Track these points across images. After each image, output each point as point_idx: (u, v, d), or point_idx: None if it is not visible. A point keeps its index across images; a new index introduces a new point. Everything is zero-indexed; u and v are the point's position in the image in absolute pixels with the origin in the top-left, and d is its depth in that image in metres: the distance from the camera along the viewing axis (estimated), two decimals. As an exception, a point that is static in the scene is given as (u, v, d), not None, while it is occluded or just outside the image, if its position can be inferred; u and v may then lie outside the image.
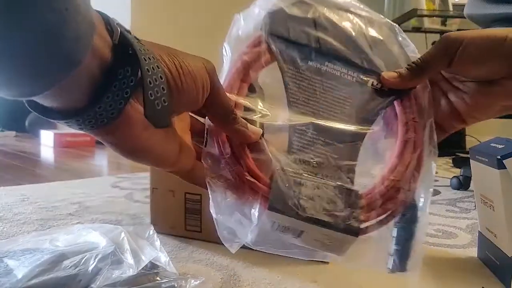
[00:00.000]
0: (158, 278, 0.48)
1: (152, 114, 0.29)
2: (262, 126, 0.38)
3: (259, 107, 0.38)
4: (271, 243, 0.38)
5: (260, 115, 0.38)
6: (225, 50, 0.40)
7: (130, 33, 0.28)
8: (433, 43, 2.20)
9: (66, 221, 0.83)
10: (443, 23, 2.20)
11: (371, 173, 0.39)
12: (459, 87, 0.42)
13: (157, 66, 0.29)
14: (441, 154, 0.44)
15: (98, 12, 0.27)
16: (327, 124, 0.39)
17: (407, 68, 0.41)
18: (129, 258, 0.49)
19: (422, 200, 0.40)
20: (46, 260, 0.50)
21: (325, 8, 0.42)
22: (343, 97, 0.40)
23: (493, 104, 0.41)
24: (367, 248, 0.38)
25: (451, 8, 2.13)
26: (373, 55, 0.42)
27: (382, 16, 0.45)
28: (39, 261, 0.49)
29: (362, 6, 0.44)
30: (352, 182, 0.38)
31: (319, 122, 0.39)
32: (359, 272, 0.60)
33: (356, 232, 0.37)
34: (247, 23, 0.40)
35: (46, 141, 2.29)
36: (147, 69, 0.28)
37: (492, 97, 0.40)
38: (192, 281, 0.49)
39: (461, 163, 1.45)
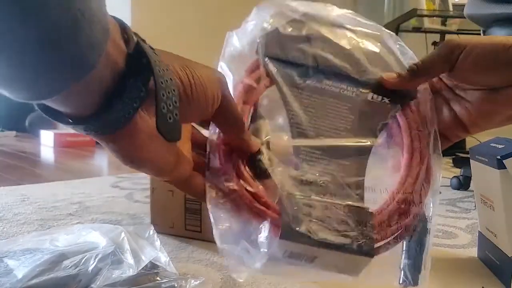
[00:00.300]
0: (158, 278, 0.48)
1: (164, 127, 0.29)
2: (267, 145, 0.37)
3: (264, 136, 0.38)
4: (282, 270, 0.37)
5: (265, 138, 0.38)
6: (221, 68, 0.40)
7: (145, 42, 0.28)
8: (433, 43, 2.21)
9: (66, 221, 0.83)
10: (443, 23, 2.20)
11: (379, 188, 0.38)
12: (462, 96, 0.42)
13: (170, 78, 0.29)
14: (441, 154, 0.44)
15: (115, 18, 0.27)
16: (331, 143, 0.38)
17: (407, 70, 0.41)
18: (129, 258, 0.49)
19: (431, 210, 0.39)
20: (46, 260, 0.50)
21: (319, 25, 0.42)
22: (344, 113, 0.40)
23: (497, 113, 0.40)
24: (375, 262, 0.37)
25: (451, 8, 2.13)
26: (370, 67, 0.42)
27: (379, 26, 0.45)
28: (39, 261, 0.49)
29: (358, 18, 0.44)
30: (361, 199, 0.37)
31: (323, 143, 0.38)
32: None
33: (371, 253, 0.36)
34: (241, 40, 0.41)
35: (46, 141, 2.29)
36: (160, 81, 0.27)
37: (495, 106, 0.40)
38: (192, 281, 0.49)
39: (461, 163, 1.45)
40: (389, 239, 0.37)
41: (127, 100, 0.26)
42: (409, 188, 0.38)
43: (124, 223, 0.82)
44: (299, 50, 0.40)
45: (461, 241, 0.76)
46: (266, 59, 0.39)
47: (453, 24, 2.20)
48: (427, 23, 2.16)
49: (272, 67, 0.39)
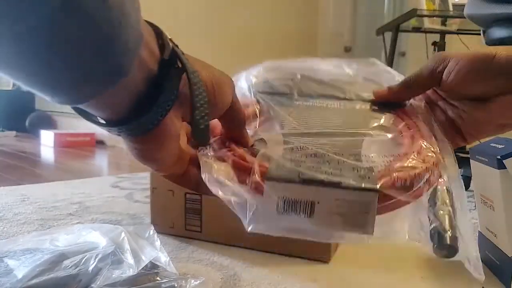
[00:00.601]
0: (158, 278, 0.49)
1: (198, 133, 0.31)
2: (263, 139, 0.38)
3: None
4: (281, 231, 0.33)
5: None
6: None
7: (178, 47, 0.29)
8: (433, 43, 2.22)
9: (66, 221, 0.83)
10: (443, 23, 2.20)
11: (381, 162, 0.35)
12: (456, 105, 0.43)
13: (201, 84, 0.30)
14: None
15: (151, 24, 0.28)
16: (322, 131, 0.39)
17: (398, 84, 0.43)
18: (129, 258, 0.49)
19: (449, 177, 0.37)
20: (46, 260, 0.50)
21: (305, 74, 0.46)
22: (333, 118, 0.41)
23: (489, 122, 0.41)
24: (400, 221, 0.34)
25: (451, 8, 2.13)
26: (354, 87, 0.45)
27: (370, 61, 0.48)
28: (39, 261, 0.49)
29: (342, 64, 0.48)
30: (358, 162, 0.34)
31: (314, 131, 0.39)
32: (359, 272, 0.60)
33: (374, 188, 0.31)
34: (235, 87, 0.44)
35: (46, 141, 2.29)
36: (195, 89, 0.29)
37: (486, 115, 0.40)
38: (192, 281, 0.49)
39: (461, 163, 1.44)
40: (395, 180, 0.33)
41: (161, 103, 0.28)
42: (412, 153, 0.36)
43: (124, 223, 0.82)
44: (285, 85, 0.44)
45: (461, 241, 0.76)
46: (255, 93, 0.43)
47: (453, 24, 2.20)
48: (427, 23, 2.16)
49: (262, 95, 0.43)
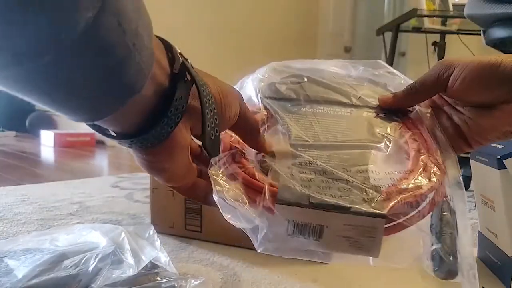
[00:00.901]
0: (158, 278, 0.49)
1: (208, 144, 0.31)
2: (271, 151, 0.38)
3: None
4: (290, 252, 0.35)
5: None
6: None
7: (188, 61, 0.30)
8: (433, 43, 2.21)
9: (67, 221, 0.83)
10: (443, 23, 2.20)
11: (388, 180, 0.36)
12: (462, 111, 0.43)
13: (210, 97, 0.31)
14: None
15: (160, 38, 0.29)
16: (329, 143, 0.39)
17: (403, 90, 0.42)
18: (129, 258, 0.49)
19: (453, 195, 0.38)
20: (47, 260, 0.50)
21: (312, 77, 0.46)
22: (340, 127, 0.41)
23: (494, 129, 0.41)
24: (403, 245, 0.35)
25: (451, 8, 2.13)
26: (360, 92, 0.45)
27: (376, 63, 0.48)
28: (40, 261, 0.49)
29: (348, 64, 0.48)
30: (366, 180, 0.35)
31: (321, 143, 0.39)
32: (359, 272, 0.60)
33: (382, 214, 0.32)
34: (241, 92, 0.44)
35: (46, 141, 2.29)
36: (205, 101, 0.30)
37: (491, 122, 0.40)
38: (192, 281, 0.49)
39: (461, 163, 1.44)
40: (402, 204, 0.33)
41: (171, 116, 0.28)
42: (417, 170, 0.37)
43: (124, 223, 0.82)
44: (291, 90, 0.44)
45: (461, 241, 0.76)
46: (262, 98, 0.43)
47: (453, 24, 2.20)
48: (427, 23, 2.16)
49: (269, 101, 0.43)
